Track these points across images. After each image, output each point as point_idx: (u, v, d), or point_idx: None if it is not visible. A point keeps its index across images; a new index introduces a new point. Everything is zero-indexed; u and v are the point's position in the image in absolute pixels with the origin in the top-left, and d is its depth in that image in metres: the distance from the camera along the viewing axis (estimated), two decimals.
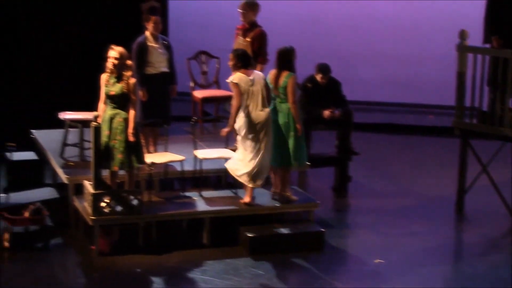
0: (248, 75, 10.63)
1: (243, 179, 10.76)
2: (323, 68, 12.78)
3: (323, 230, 10.93)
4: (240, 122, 10.64)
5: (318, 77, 12.76)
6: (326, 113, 12.69)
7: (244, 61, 10.68)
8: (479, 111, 12.06)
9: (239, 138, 10.73)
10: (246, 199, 10.87)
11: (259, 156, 10.64)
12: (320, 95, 12.74)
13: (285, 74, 10.85)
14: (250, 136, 10.62)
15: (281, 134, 10.87)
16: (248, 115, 10.60)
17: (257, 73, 10.76)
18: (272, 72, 10.98)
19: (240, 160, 10.77)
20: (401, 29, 16.81)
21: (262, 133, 10.64)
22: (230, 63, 10.70)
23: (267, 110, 10.68)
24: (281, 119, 10.87)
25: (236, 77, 10.61)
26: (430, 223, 11.82)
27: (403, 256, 10.73)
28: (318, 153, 12.73)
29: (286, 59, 10.87)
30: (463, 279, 10.27)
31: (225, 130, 10.83)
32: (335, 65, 13.16)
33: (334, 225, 11.60)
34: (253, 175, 10.69)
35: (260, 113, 10.61)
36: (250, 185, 10.77)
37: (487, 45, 12.12)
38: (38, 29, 14.41)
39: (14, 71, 14.38)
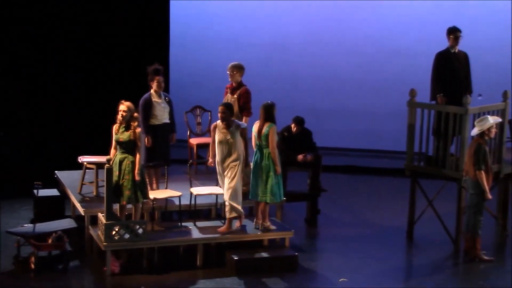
0: None
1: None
2: (297, 120, 12.81)
3: (296, 254, 10.90)
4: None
5: (293, 127, 12.79)
6: (300, 157, 12.70)
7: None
8: (426, 156, 12.10)
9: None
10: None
11: None
12: (295, 142, 12.76)
13: (267, 125, 10.85)
14: None
15: (263, 174, 10.85)
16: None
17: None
18: (256, 123, 10.99)
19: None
20: (362, 88, 16.86)
21: None
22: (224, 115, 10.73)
23: None
24: (263, 162, 10.85)
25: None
26: (386, 248, 11.79)
27: (363, 276, 10.70)
28: (293, 190, 12.69)
29: (268, 113, 10.88)
30: None
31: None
32: (309, 117, 13.19)
33: (306, 250, 11.56)
34: None
35: None
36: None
37: (433, 102, 12.18)
38: (64, 89, 14.41)
39: (41, 123, 14.35)
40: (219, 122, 10.78)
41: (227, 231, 10.82)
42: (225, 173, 10.73)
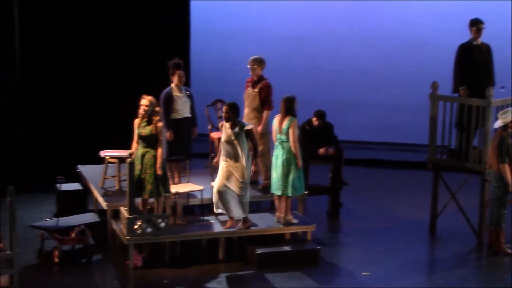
0: None
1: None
2: (319, 114, 12.77)
3: (318, 247, 10.86)
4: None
5: (314, 120, 12.75)
6: (321, 150, 12.66)
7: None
8: (448, 149, 12.02)
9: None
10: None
11: None
12: (316, 135, 12.72)
13: (287, 118, 10.82)
14: None
15: (284, 168, 10.82)
16: None
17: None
18: (277, 117, 10.96)
19: None
20: (383, 81, 16.79)
21: None
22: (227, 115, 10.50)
23: None
24: (284, 155, 10.82)
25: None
26: (408, 241, 11.73)
27: (386, 270, 10.64)
28: (314, 184, 12.65)
29: (288, 106, 10.84)
30: None
31: None
32: (330, 111, 13.14)
33: (328, 244, 11.51)
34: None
35: None
36: None
37: (456, 95, 12.09)
38: (84, 87, 14.47)
39: (63, 119, 14.40)
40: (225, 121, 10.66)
41: (245, 227, 10.77)
42: (233, 173, 10.52)
